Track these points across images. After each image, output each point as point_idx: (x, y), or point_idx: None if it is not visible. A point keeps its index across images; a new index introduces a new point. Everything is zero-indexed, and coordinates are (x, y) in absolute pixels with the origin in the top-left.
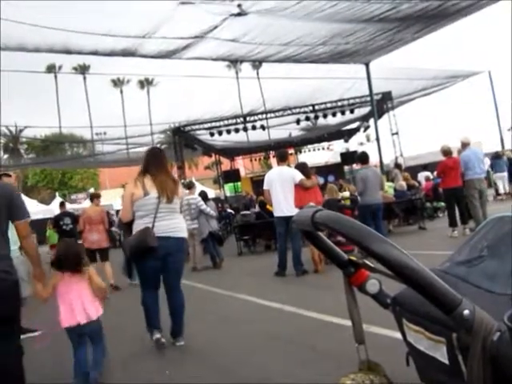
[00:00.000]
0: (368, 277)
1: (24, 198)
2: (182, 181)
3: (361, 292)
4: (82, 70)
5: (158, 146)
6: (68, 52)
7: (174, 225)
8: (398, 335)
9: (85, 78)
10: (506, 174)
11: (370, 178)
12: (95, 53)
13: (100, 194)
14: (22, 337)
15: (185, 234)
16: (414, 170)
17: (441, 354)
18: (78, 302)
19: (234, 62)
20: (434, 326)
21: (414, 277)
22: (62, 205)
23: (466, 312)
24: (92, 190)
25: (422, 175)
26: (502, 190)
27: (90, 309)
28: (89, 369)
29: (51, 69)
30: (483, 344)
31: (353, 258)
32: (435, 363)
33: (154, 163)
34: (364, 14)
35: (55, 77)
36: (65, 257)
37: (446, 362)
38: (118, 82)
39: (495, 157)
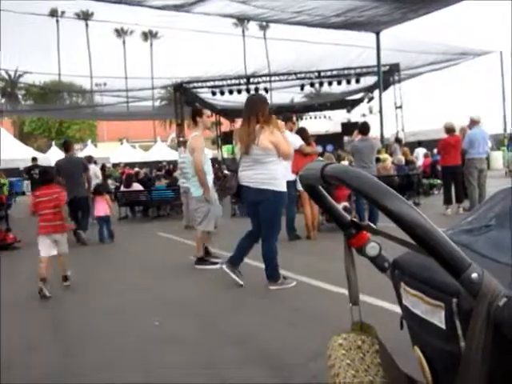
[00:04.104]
0: (368, 240)
1: (19, 144)
2: (181, 138)
3: (360, 254)
4: (85, 16)
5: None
6: None
7: (256, 176)
8: (387, 304)
9: (87, 26)
10: None
11: (363, 150)
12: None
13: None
14: (208, 267)
15: (269, 186)
16: (413, 146)
17: (438, 319)
18: (101, 206)
19: (242, 20)
20: (434, 291)
21: (425, 236)
22: (33, 159)
23: (475, 275)
24: (89, 142)
25: (417, 151)
26: None
27: (106, 210)
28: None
29: (53, 13)
30: (488, 309)
31: (355, 219)
32: (431, 328)
33: (243, 113)
34: None
35: (57, 22)
36: (96, 189)
37: (443, 326)
38: (121, 32)
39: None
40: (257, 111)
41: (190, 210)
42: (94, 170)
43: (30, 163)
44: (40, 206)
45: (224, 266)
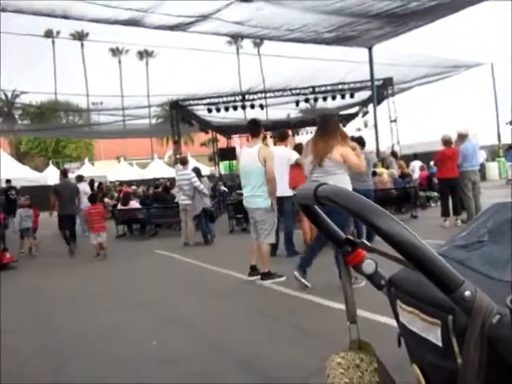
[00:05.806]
0: (364, 257)
1: (16, 164)
2: (177, 156)
3: (356, 272)
4: (80, 36)
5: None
6: (68, 18)
7: None
8: (386, 319)
9: (82, 45)
10: None
11: None
12: (97, 21)
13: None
14: (269, 281)
15: None
16: (409, 159)
17: (434, 336)
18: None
19: (236, 37)
20: (430, 308)
21: (417, 255)
22: (7, 181)
23: (468, 293)
24: (86, 161)
25: (413, 164)
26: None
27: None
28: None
29: (49, 34)
30: (482, 326)
31: (350, 237)
32: (428, 345)
33: (317, 128)
34: (373, 9)
35: (53, 42)
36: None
37: (440, 343)
38: (116, 52)
39: (509, 148)
40: (337, 129)
41: (189, 228)
42: (83, 187)
43: (29, 182)
44: (91, 216)
45: (296, 274)
